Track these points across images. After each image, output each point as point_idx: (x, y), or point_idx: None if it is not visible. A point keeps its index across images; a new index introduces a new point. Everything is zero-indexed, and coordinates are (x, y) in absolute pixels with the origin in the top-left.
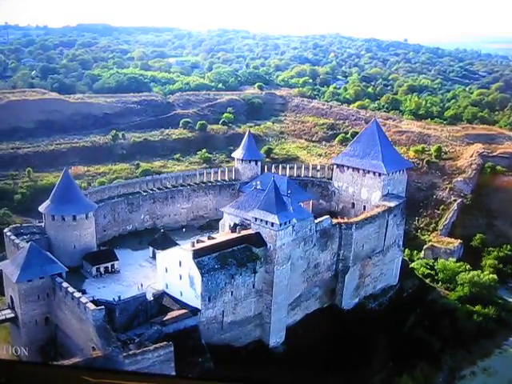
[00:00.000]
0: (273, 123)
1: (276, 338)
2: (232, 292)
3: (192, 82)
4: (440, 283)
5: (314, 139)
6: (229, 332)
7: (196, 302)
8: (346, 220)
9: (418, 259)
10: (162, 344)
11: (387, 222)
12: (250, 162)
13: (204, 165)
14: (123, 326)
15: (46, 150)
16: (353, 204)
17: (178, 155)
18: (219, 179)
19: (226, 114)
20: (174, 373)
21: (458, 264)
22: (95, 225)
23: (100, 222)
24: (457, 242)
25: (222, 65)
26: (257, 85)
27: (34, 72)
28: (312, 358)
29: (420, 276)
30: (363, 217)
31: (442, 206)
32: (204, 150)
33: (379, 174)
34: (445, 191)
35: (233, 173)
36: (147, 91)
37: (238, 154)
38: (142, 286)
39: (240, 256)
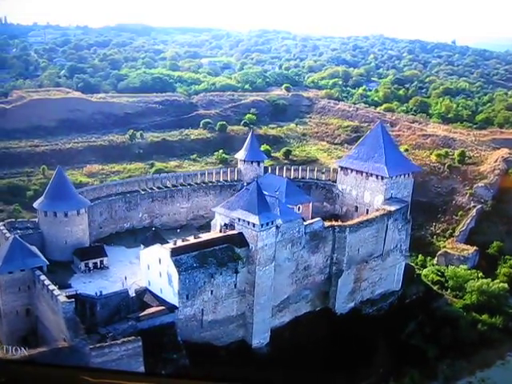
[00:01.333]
0: (296, 125)
1: (259, 339)
2: (212, 291)
3: (218, 82)
4: (449, 290)
5: (335, 142)
6: (209, 331)
7: (174, 300)
8: (339, 223)
9: (431, 265)
10: (130, 338)
11: (387, 226)
12: (252, 162)
13: (220, 165)
14: (104, 321)
15: (63, 148)
16: (356, 207)
17: (194, 155)
18: (221, 180)
19: (248, 115)
20: (142, 367)
21: (468, 271)
22: (91, 222)
23: (96, 219)
24: (472, 249)
25: (255, 66)
26: (284, 86)
27: (63, 71)
28: (296, 360)
29: (428, 283)
30: (358, 220)
31: (460, 212)
32: (221, 151)
33: (382, 178)
34: (465, 197)
35: (235, 173)
36: (172, 91)
37: (241, 154)
38: (126, 279)
39: (221, 256)
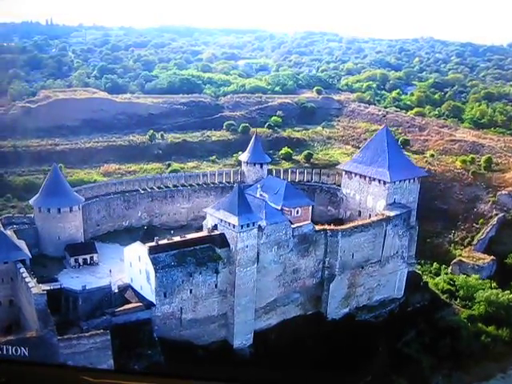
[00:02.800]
0: (323, 128)
1: (242, 340)
2: (191, 290)
3: (248, 84)
4: (458, 300)
5: (361, 145)
6: (189, 329)
7: (152, 297)
8: (332, 227)
9: (444, 274)
10: (98, 332)
11: (385, 231)
12: (254, 164)
13: (238, 167)
14: (86, 315)
15: (82, 147)
16: (359, 212)
17: (214, 157)
18: (223, 181)
19: (274, 118)
20: (111, 361)
21: (480, 281)
22: (88, 219)
23: (93, 216)
24: (488, 259)
25: (292, 68)
26: (315, 89)
27: (94, 72)
28: (279, 362)
29: (437, 291)
30: (352, 225)
31: (481, 220)
32: (240, 153)
33: (384, 182)
34: (487, 204)
35: (238, 175)
36: (199, 93)
37: (244, 156)
38: (110, 272)
39: (201, 255)
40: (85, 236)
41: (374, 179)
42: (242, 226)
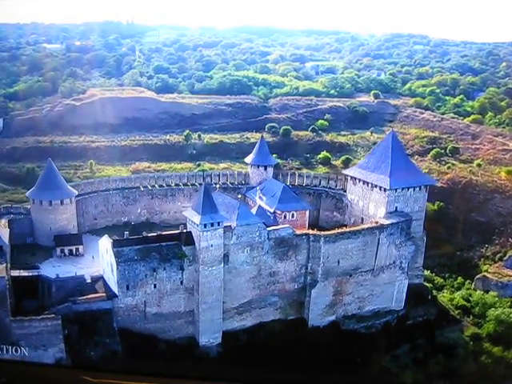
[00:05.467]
0: (371, 133)
1: (209, 338)
2: (155, 285)
3: (302, 86)
4: (471, 317)
5: (406, 153)
6: (154, 323)
7: (115, 288)
8: (314, 231)
9: (466, 289)
10: (49, 316)
11: (378, 240)
12: (258, 167)
13: None
14: (58, 302)
15: (118, 145)
16: (362, 219)
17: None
18: (227, 182)
19: (320, 121)
20: (62, 344)
21: (496, 299)
22: (85, 212)
23: (90, 210)
24: None
25: (361, 71)
26: (372, 92)
27: (149, 71)
28: (245, 363)
29: (450, 307)
30: (337, 231)
31: None
32: (275, 156)
33: (384, 189)
34: None
35: (242, 176)
36: (248, 94)
37: (249, 158)
38: (93, 258)
39: (166, 252)
40: (81, 229)
41: (376, 186)
42: (205, 225)
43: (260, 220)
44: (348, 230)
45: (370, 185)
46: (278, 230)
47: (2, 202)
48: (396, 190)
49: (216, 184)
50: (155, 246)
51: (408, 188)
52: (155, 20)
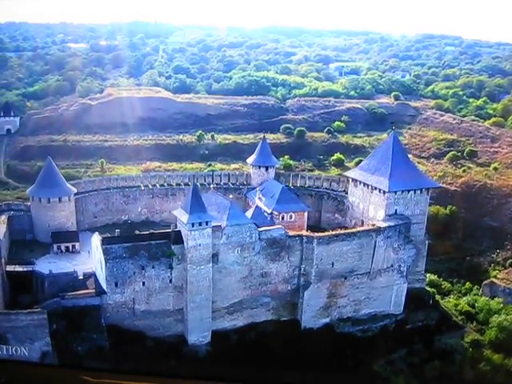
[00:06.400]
0: (388, 135)
1: (198, 337)
2: (144, 282)
3: (321, 87)
4: (475, 323)
5: (422, 155)
6: (143, 320)
7: (104, 285)
8: (308, 233)
9: (473, 295)
10: (35, 310)
11: (375, 242)
12: (259, 167)
13: (282, 171)
14: (51, 297)
15: (130, 144)
16: (362, 221)
17: None
18: (228, 182)
19: (337, 123)
20: (47, 338)
21: (501, 305)
22: (84, 210)
23: (90, 208)
24: None
25: (385, 72)
26: (393, 94)
27: (168, 71)
28: (233, 363)
29: (454, 312)
30: (331, 233)
31: None
32: (287, 157)
33: (384, 192)
34: None
35: (244, 177)
36: (265, 95)
37: (251, 159)
38: (89, 252)
39: (155, 250)
40: (80, 226)
41: (375, 188)
42: (192, 225)
43: (251, 220)
44: (343, 232)
45: (369, 187)
46: (269, 230)
47: (11, 199)
48: (396, 192)
49: (217, 184)
50: (144, 244)
51: (408, 191)
52: (183, 20)
